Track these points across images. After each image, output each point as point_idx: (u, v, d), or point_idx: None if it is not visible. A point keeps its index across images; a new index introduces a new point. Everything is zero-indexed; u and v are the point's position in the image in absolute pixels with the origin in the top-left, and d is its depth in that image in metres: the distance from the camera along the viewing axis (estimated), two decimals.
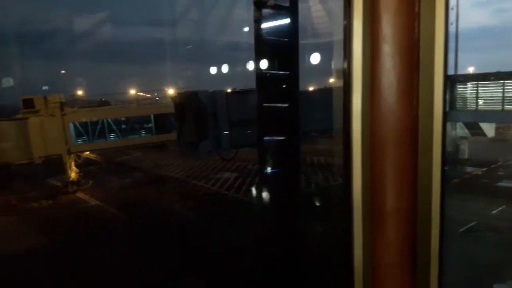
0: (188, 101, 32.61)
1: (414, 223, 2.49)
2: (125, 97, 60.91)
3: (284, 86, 8.96)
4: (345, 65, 2.46)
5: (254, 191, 34.50)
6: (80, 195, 35.31)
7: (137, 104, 47.34)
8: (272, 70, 8.96)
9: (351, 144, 2.49)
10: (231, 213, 29.80)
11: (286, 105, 8.70)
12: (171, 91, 52.90)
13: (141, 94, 64.39)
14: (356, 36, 2.37)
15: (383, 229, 2.47)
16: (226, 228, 25.56)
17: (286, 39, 8.28)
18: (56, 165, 37.81)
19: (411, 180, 2.46)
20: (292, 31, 8.45)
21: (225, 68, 29.19)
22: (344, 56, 2.46)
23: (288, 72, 8.69)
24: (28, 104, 34.41)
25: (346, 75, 2.44)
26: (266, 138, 9.62)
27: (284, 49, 8.62)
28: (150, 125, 38.99)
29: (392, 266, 2.50)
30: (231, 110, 31.47)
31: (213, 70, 31.05)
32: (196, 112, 31.35)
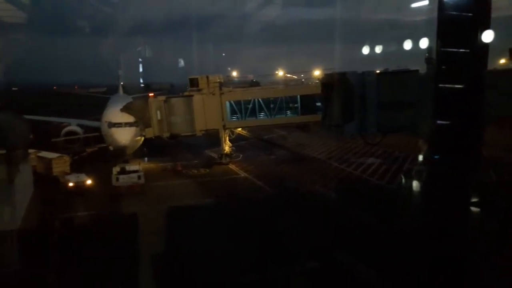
0: (335, 82, 32.30)
1: None
2: (274, 78, 63.62)
3: (466, 65, 8.05)
4: None
5: (405, 179, 32.36)
6: (231, 166, 38.79)
7: (284, 85, 48.91)
8: (454, 48, 8.10)
9: None
10: (374, 199, 28.87)
11: (468, 86, 7.83)
12: (317, 72, 53.00)
13: (289, 75, 66.29)
14: None
15: None
16: (369, 214, 25.00)
17: (471, 14, 7.39)
18: (212, 139, 42.25)
19: None
20: (481, 3, 7.49)
21: (378, 48, 27.88)
22: None
23: (473, 50, 7.77)
24: (193, 83, 38.88)
25: None
26: (439, 122, 8.82)
27: (469, 24, 7.71)
28: (296, 105, 39.95)
29: None
30: (382, 92, 29.96)
31: (365, 50, 29.97)
32: (344, 93, 30.82)
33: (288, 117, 40.53)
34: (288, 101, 39.70)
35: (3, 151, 18.25)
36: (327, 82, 34.26)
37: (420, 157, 33.52)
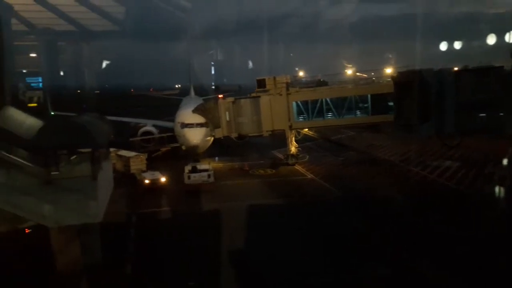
0: (410, 80, 30.74)
1: None
2: (342, 77, 62.13)
3: None
4: None
5: (487, 184, 29.79)
6: (298, 167, 38.60)
7: (354, 84, 47.55)
8: None
9: None
10: (452, 205, 27.01)
11: None
12: (389, 70, 50.84)
13: (358, 74, 64.42)
14: None
15: None
16: (446, 221, 23.47)
17: None
18: (277, 139, 42.35)
19: None
20: None
21: (457, 44, 26.14)
22: None
23: None
24: (261, 84, 39.28)
25: None
26: None
27: None
28: (366, 105, 38.55)
29: None
30: (461, 90, 27.99)
31: (443, 46, 28.30)
32: (419, 92, 29.32)
33: (358, 117, 39.22)
34: (358, 100, 38.43)
35: (88, 150, 19.80)
36: (401, 80, 32.74)
37: (505, 161, 30.70)
